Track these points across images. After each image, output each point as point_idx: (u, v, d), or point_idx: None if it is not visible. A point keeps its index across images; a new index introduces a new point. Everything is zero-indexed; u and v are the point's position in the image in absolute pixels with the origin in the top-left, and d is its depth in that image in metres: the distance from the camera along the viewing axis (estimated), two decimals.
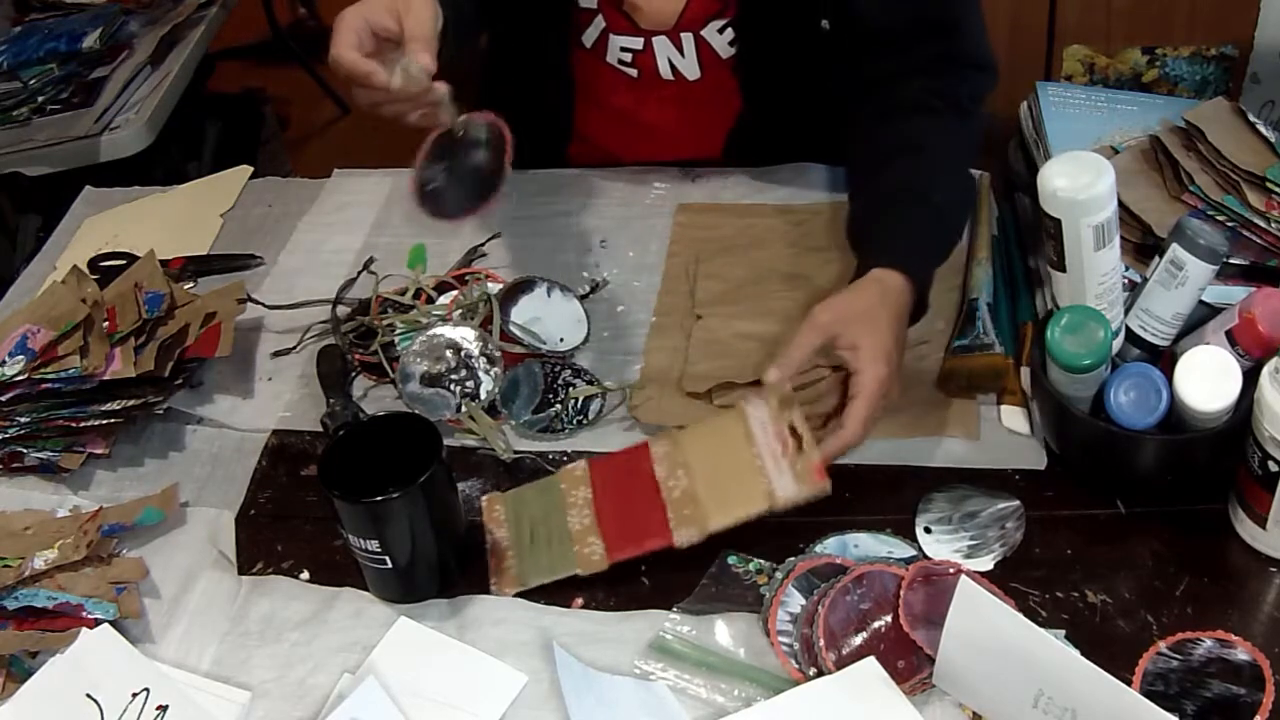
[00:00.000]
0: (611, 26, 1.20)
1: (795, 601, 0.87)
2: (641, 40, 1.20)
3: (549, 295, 1.15)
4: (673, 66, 1.22)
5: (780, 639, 0.85)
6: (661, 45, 1.20)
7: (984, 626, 0.76)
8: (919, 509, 0.93)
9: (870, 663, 0.82)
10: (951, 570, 0.86)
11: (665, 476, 0.96)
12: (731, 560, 0.92)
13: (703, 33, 1.18)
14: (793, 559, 0.90)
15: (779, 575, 0.89)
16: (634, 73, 1.24)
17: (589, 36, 1.22)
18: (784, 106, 1.24)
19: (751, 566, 0.91)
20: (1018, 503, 0.92)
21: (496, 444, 1.02)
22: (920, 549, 0.91)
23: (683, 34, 1.19)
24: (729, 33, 1.18)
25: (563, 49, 1.24)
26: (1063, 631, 0.84)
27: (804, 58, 1.17)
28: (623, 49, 1.22)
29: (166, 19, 2.14)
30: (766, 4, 1.15)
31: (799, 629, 0.85)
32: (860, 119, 1.13)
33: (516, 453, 1.03)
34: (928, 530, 0.92)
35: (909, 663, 0.82)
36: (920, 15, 1.08)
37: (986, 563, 0.89)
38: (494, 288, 1.15)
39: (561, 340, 1.12)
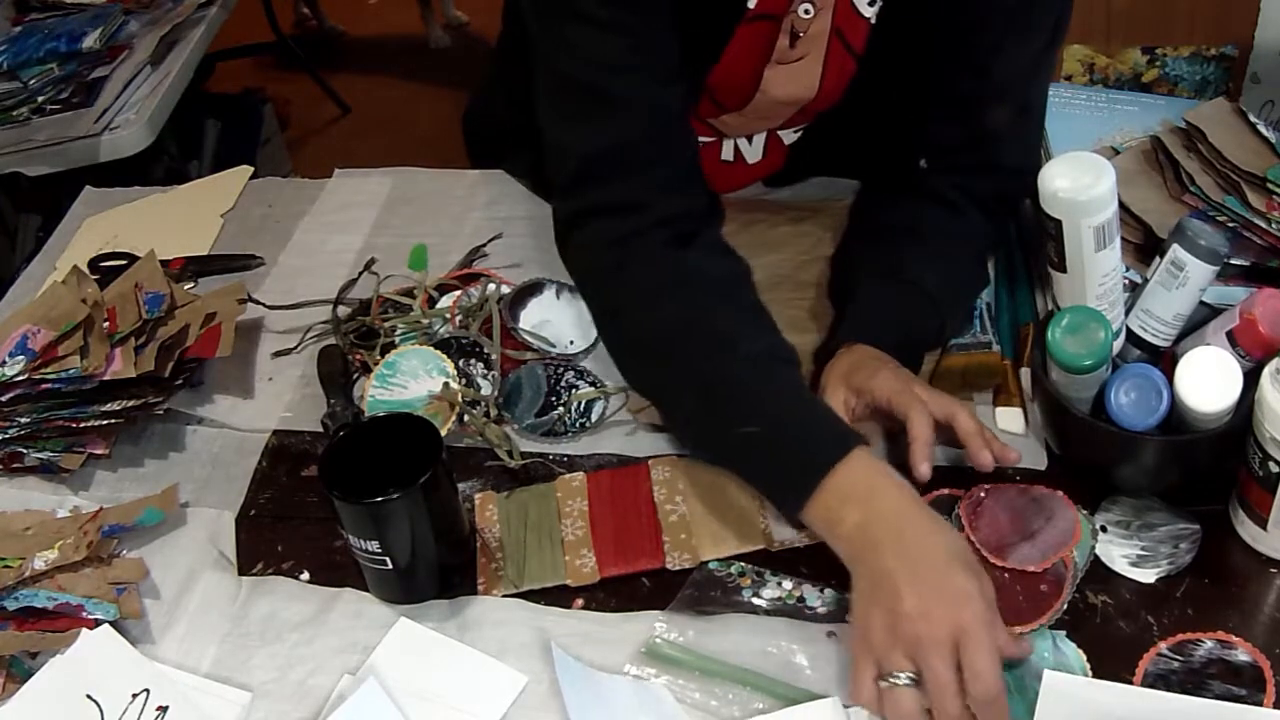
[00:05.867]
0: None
1: None
2: (714, 138, 1.18)
3: (558, 297, 1.15)
4: (737, 151, 1.20)
5: None
6: (731, 139, 1.18)
7: (1082, 709, 0.76)
8: (1100, 507, 0.91)
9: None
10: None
11: (663, 500, 0.96)
12: (713, 565, 0.92)
13: (778, 132, 1.17)
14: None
15: None
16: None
17: None
18: (820, 169, 1.24)
19: (734, 569, 0.91)
20: (1197, 527, 0.90)
21: (503, 452, 1.02)
22: None
23: (757, 135, 1.17)
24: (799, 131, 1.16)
25: None
26: (1063, 632, 0.84)
27: (858, 144, 1.15)
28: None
29: (166, 19, 2.14)
30: (842, 118, 1.10)
31: None
32: (875, 189, 1.10)
33: (522, 455, 1.03)
34: (1103, 529, 0.90)
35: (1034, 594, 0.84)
36: (978, 129, 1.03)
37: (1149, 575, 0.87)
38: (493, 288, 1.15)
39: (572, 343, 1.12)
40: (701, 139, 1.17)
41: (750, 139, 1.17)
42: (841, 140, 1.14)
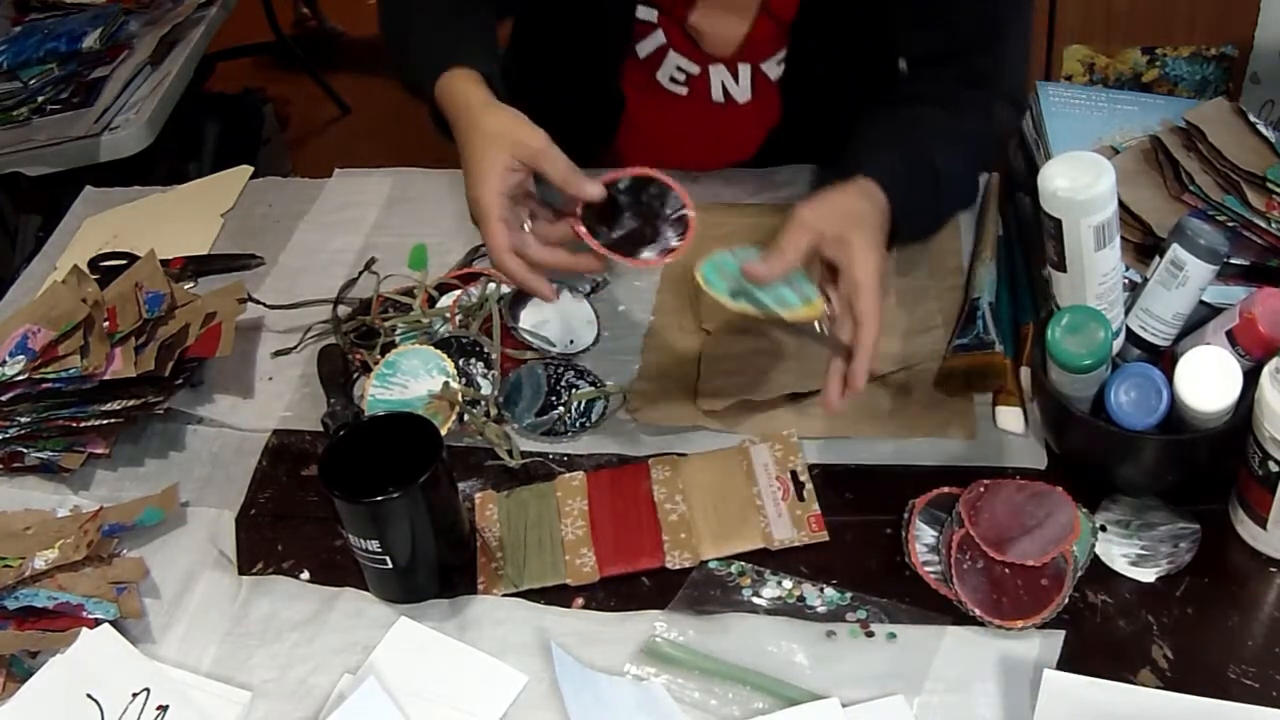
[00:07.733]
0: (672, 43, 1.19)
1: (927, 534, 0.90)
2: (699, 66, 1.20)
3: (558, 296, 1.15)
4: (725, 91, 1.21)
5: (927, 569, 0.88)
6: (718, 72, 1.20)
7: (1082, 709, 0.76)
8: (1100, 507, 0.92)
9: (899, 700, 0.82)
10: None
11: (663, 500, 0.96)
12: (713, 565, 0.92)
13: (761, 65, 1.18)
14: (911, 500, 0.92)
15: (904, 516, 0.91)
16: (684, 91, 1.23)
17: (644, 48, 1.20)
18: (820, 115, 1.23)
19: (734, 569, 0.91)
20: (1197, 526, 0.90)
21: (504, 452, 1.02)
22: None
23: (740, 64, 1.19)
24: (782, 62, 1.18)
25: (614, 58, 1.22)
26: (1062, 634, 0.84)
27: (847, 79, 1.17)
28: (678, 68, 1.20)
29: (166, 19, 2.14)
30: (821, 41, 1.13)
31: (943, 558, 0.87)
32: (872, 105, 1.13)
33: (522, 454, 1.03)
34: (1103, 529, 0.90)
35: (1035, 588, 0.85)
36: (963, 65, 1.07)
37: (1149, 574, 0.87)
38: (493, 288, 1.15)
39: (571, 343, 1.12)
40: (686, 67, 1.20)
41: (735, 74, 1.19)
42: (827, 74, 1.17)
